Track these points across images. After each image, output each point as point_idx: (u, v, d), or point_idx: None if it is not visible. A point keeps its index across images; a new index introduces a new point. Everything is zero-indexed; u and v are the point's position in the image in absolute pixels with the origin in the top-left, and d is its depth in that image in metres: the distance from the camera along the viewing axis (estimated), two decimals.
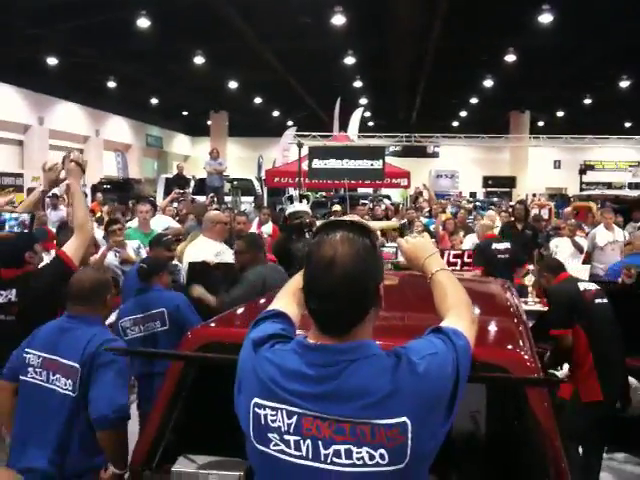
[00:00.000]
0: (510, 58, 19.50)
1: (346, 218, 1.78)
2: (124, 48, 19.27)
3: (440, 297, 1.82)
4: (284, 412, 1.52)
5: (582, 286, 4.32)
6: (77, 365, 2.74)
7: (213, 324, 2.80)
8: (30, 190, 15.91)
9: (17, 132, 24.81)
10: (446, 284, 1.83)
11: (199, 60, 20.15)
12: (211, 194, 13.09)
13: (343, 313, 1.53)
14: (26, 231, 2.68)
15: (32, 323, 3.03)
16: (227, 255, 5.64)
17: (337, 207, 12.15)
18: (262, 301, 3.25)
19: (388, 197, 19.50)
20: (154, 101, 30.78)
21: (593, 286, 4.39)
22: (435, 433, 1.50)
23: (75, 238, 2.90)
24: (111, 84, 25.44)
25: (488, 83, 24.02)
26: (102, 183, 21.48)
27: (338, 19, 15.85)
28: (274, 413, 1.53)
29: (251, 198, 16.61)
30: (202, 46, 19.25)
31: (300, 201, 5.92)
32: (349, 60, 20.17)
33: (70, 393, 2.74)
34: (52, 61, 20.78)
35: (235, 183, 17.88)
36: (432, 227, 10.21)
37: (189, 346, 2.55)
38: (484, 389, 2.83)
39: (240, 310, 3.08)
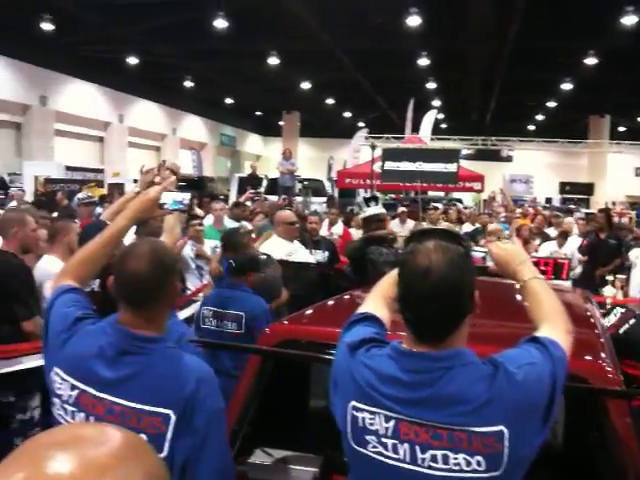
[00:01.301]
0: (590, 61, 18.89)
1: (437, 226, 1.83)
2: (201, 48, 19.74)
3: (534, 306, 1.79)
4: (382, 416, 1.56)
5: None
6: None
7: (290, 322, 2.86)
8: (110, 185, 16.53)
9: (99, 129, 25.80)
10: (540, 292, 1.80)
11: (273, 60, 20.42)
12: (283, 195, 13.25)
13: (439, 321, 1.55)
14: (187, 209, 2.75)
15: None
16: (300, 254, 5.70)
17: (402, 209, 12.10)
18: (339, 302, 3.30)
19: (460, 201, 19.24)
20: (228, 101, 31.39)
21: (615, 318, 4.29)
22: (531, 441, 1.52)
23: (162, 239, 3.00)
24: (188, 83, 26.11)
25: (566, 86, 23.33)
26: (178, 180, 22.01)
27: (413, 20, 15.74)
28: (372, 417, 1.57)
29: (321, 199, 16.71)
30: (276, 46, 19.49)
31: (368, 205, 5.82)
32: (423, 61, 19.99)
33: None
34: (132, 60, 21.51)
35: (306, 183, 18.04)
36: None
37: (267, 342, 2.62)
38: (562, 399, 2.78)
39: (317, 309, 3.13)
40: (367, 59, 20.01)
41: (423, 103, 23.74)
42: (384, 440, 1.56)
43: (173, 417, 1.76)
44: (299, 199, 15.19)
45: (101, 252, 2.17)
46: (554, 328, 1.70)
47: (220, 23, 16.49)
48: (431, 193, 19.64)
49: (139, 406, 1.78)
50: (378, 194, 9.46)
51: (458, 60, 20.36)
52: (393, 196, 21.73)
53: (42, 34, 17.72)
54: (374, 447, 1.58)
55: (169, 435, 1.75)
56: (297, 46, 19.06)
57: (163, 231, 2.78)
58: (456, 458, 1.49)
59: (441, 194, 20.15)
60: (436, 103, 27.05)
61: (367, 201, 5.67)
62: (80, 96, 23.58)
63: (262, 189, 16.50)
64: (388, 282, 1.89)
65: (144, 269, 1.86)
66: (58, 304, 2.01)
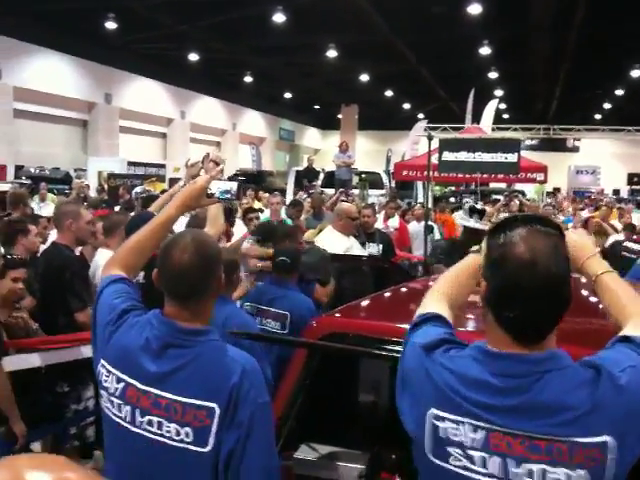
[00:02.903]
0: None
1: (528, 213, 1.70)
2: (260, 43, 19.90)
3: (613, 302, 1.63)
4: (468, 425, 1.42)
5: None
6: None
7: (338, 314, 2.79)
8: (172, 180, 16.86)
9: (161, 125, 26.36)
10: (617, 288, 1.64)
11: (332, 53, 20.37)
12: (340, 188, 13.17)
13: (545, 318, 1.42)
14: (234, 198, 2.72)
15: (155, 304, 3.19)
16: (355, 251, 5.61)
17: (469, 200, 11.82)
18: (388, 295, 3.22)
19: (522, 193, 18.76)
20: (287, 95, 31.54)
21: None
22: (634, 451, 1.37)
23: (206, 230, 3.00)
24: (247, 79, 26.35)
25: (635, 73, 22.41)
26: (237, 175, 22.38)
27: (474, 8, 15.40)
28: (456, 426, 1.43)
29: (378, 191, 16.58)
30: (335, 39, 19.44)
31: (471, 215, 5.46)
32: (484, 50, 19.56)
33: None
34: (193, 57, 21.85)
35: (363, 176, 17.94)
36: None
37: (313, 335, 2.56)
38: None
39: (366, 302, 3.05)
40: (427, 49, 19.73)
41: (485, 93, 23.26)
42: (470, 452, 1.41)
43: (218, 410, 1.73)
44: (356, 192, 15.09)
45: (149, 242, 2.13)
46: None
47: (279, 18, 16.58)
48: (493, 185, 19.20)
49: (184, 399, 1.75)
50: (487, 208, 9.13)
51: (521, 48, 19.84)
52: (453, 188, 21.41)
53: (106, 33, 18.23)
54: (457, 460, 1.43)
55: (214, 428, 1.72)
56: (356, 38, 18.95)
57: (207, 221, 2.74)
58: (555, 472, 1.35)
59: (503, 186, 19.67)
60: (498, 93, 26.47)
61: (471, 211, 5.41)
62: (143, 93, 24.14)
63: (319, 182, 16.50)
64: (447, 280, 1.78)
65: (188, 262, 1.82)
66: (106, 295, 1.99)
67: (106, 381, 1.86)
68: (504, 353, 1.42)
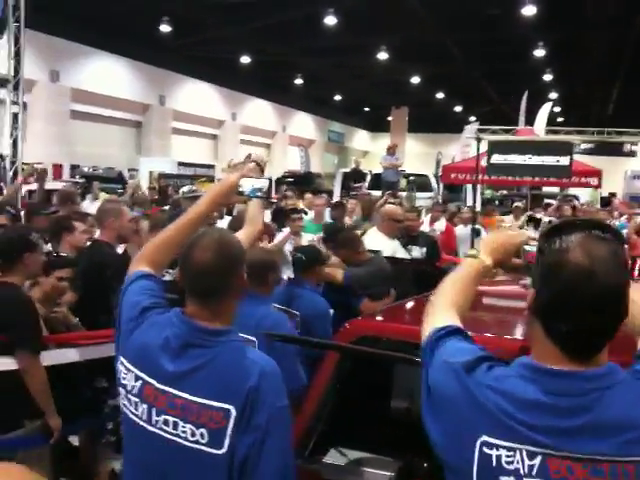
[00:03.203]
0: None
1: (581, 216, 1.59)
2: (311, 45, 19.94)
3: (635, 311, 1.49)
4: (524, 452, 1.30)
5: None
6: (253, 338, 2.78)
7: (370, 318, 2.75)
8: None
9: (213, 127, 26.71)
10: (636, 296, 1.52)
11: (382, 55, 20.28)
12: (388, 191, 13.06)
13: (603, 333, 1.32)
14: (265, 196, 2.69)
15: None
16: (400, 254, 5.54)
17: (518, 204, 11.59)
18: (424, 299, 3.14)
19: (576, 197, 18.29)
20: (337, 97, 31.54)
21: None
22: None
23: (244, 230, 2.99)
24: (298, 81, 26.47)
25: None
26: (285, 176, 22.53)
27: (529, 9, 15.10)
28: (510, 454, 1.31)
29: (426, 194, 16.42)
30: (386, 41, 19.35)
31: (529, 225, 5.24)
32: (539, 52, 19.17)
33: None
34: (245, 59, 22.06)
35: (411, 179, 17.80)
36: (624, 232, 9.35)
37: (346, 337, 2.52)
38: None
39: (400, 306, 3.00)
40: (479, 51, 19.46)
41: (539, 95, 22.77)
42: None
43: (234, 412, 1.70)
44: (404, 194, 14.96)
45: (178, 237, 2.11)
46: None
47: (330, 20, 16.60)
48: (545, 189, 18.76)
49: (201, 400, 1.73)
50: (544, 218, 8.87)
51: (576, 49, 19.36)
52: (505, 192, 21.02)
53: (160, 36, 18.58)
54: None
55: (229, 431, 1.70)
56: (407, 40, 18.83)
57: (245, 220, 2.72)
58: None
59: (555, 190, 19.22)
60: (553, 95, 25.91)
61: (529, 221, 5.33)
62: (196, 95, 24.52)
63: (365, 184, 16.45)
64: (451, 288, 1.66)
65: (209, 260, 1.81)
66: (130, 292, 1.98)
67: (124, 378, 1.85)
68: (557, 370, 1.32)
